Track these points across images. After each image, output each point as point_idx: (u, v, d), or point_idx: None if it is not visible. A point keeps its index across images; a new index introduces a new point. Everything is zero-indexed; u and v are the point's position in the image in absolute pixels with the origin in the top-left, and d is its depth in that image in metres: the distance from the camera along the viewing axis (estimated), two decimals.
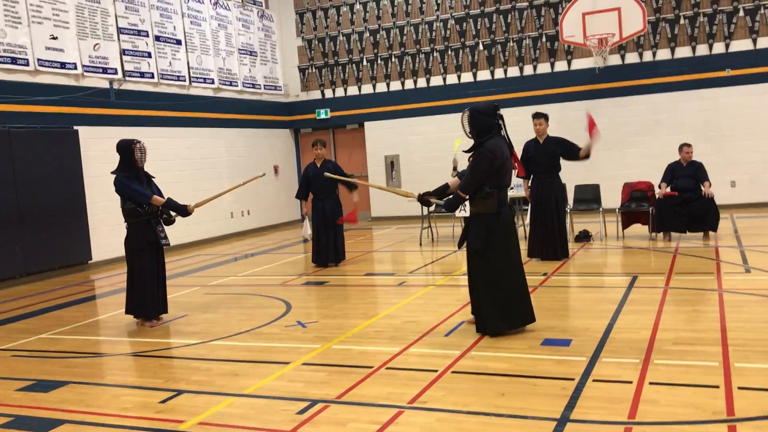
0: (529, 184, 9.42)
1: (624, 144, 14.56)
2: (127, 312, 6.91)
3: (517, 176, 7.13)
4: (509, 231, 5.71)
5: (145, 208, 6.70)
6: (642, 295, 6.81)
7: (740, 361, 4.59)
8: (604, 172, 14.10)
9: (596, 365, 4.71)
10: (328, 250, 9.96)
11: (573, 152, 9.04)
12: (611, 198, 12.19)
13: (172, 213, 6.94)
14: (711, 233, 10.18)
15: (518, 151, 9.31)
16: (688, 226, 10.04)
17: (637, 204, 10.68)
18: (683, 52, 14.18)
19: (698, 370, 4.47)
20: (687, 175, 10.19)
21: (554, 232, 9.13)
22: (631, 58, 14.57)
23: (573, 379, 4.45)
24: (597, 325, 5.72)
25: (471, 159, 5.79)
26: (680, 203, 10.00)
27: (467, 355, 5.16)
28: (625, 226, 10.88)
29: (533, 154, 9.27)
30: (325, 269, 9.81)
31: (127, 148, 6.68)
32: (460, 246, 5.96)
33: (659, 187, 10.36)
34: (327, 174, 8.93)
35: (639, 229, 11.00)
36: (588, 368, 4.65)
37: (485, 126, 5.67)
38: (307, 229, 9.94)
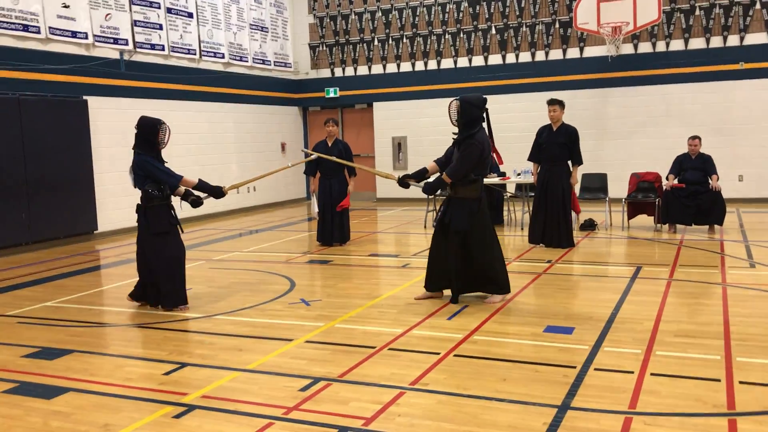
0: (537, 170, 9.41)
1: (633, 134, 14.51)
2: (168, 307, 6.35)
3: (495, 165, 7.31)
4: (486, 214, 6.30)
5: (165, 191, 6.31)
6: (645, 285, 6.82)
7: (742, 355, 4.61)
8: (611, 162, 14.08)
9: (598, 354, 4.73)
10: (333, 229, 9.97)
11: (571, 159, 9.15)
12: (618, 187, 12.17)
13: (201, 195, 6.61)
14: (717, 227, 10.16)
15: (531, 136, 9.40)
16: (694, 219, 10.02)
17: (644, 194, 10.66)
18: (697, 43, 14.07)
19: (700, 363, 4.49)
20: (695, 167, 10.15)
21: (558, 221, 9.12)
22: (645, 47, 14.47)
23: (575, 367, 4.47)
24: (600, 314, 5.74)
25: (460, 148, 6.14)
26: (687, 195, 9.98)
27: (470, 339, 5.19)
28: (630, 216, 10.86)
29: (545, 140, 9.23)
30: (329, 248, 9.83)
31: (152, 128, 6.26)
32: (437, 227, 6.32)
33: (666, 178, 10.33)
34: (304, 150, 9.02)
35: (644, 219, 10.99)
36: (590, 357, 4.68)
37: (473, 117, 6.13)
38: (314, 206, 9.96)
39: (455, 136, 6.30)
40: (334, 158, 8.45)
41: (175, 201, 6.54)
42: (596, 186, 11.45)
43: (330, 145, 9.93)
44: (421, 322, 5.73)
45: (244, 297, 6.91)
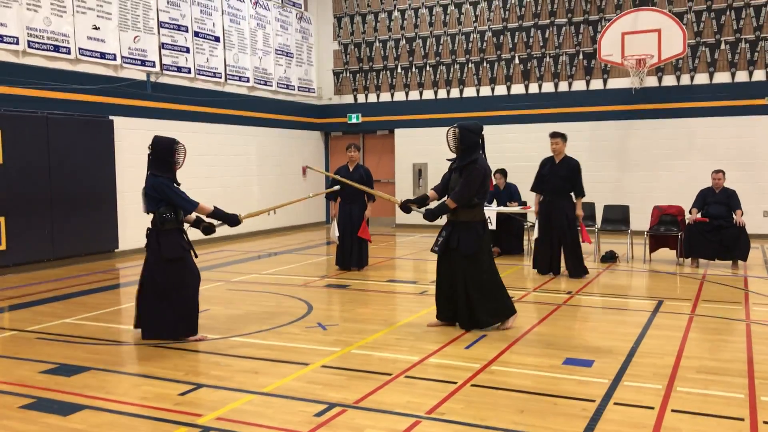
0: (540, 200, 9.49)
1: (656, 167, 14.42)
2: (178, 337, 6.02)
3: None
4: (489, 237, 6.45)
5: (179, 214, 6.06)
6: (667, 320, 6.72)
7: (767, 394, 4.50)
8: (634, 194, 13.98)
9: (618, 388, 4.65)
10: (352, 254, 9.98)
11: (574, 192, 9.26)
12: (640, 220, 12.07)
13: (215, 222, 6.31)
14: (740, 262, 10.02)
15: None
16: (717, 254, 9.89)
17: (666, 228, 10.55)
18: (722, 77, 14.02)
19: (722, 401, 4.40)
20: (719, 201, 10.05)
21: (569, 252, 9.21)
22: (669, 80, 14.44)
23: (594, 401, 4.40)
24: (620, 348, 5.65)
25: (460, 174, 6.26)
26: (710, 230, 9.86)
27: (487, 369, 5.13)
28: (652, 249, 10.74)
29: (547, 172, 9.33)
30: (347, 273, 9.82)
31: (169, 148, 5.99)
32: (440, 252, 6.36)
33: (690, 212, 10.23)
34: (306, 166, 9.08)
35: (666, 253, 10.86)
36: (609, 390, 4.60)
37: (471, 143, 6.28)
38: (335, 231, 9.97)
39: (451, 163, 6.50)
40: (348, 182, 8.38)
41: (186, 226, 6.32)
42: (618, 218, 11.36)
43: (351, 170, 9.97)
44: (438, 350, 5.68)
45: (261, 319, 6.91)
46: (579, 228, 9.27)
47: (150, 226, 6.08)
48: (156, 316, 6.00)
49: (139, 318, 6.14)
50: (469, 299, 6.26)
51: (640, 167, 14.62)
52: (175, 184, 6.02)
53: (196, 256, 6.24)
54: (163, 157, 6.00)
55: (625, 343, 5.82)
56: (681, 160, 14.20)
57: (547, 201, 9.32)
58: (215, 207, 6.21)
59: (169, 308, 5.97)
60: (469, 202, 6.25)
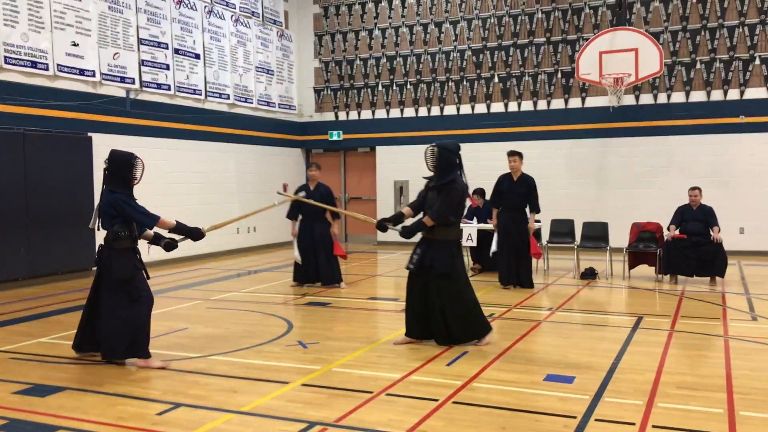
0: (497, 215, 9.95)
1: (635, 184, 14.56)
2: (125, 356, 5.77)
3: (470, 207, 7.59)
4: (462, 255, 6.52)
5: (134, 232, 5.85)
6: (647, 336, 6.75)
7: (746, 409, 4.53)
8: (613, 211, 14.09)
9: (599, 404, 4.65)
10: (317, 270, 9.96)
11: (529, 207, 9.73)
12: (619, 237, 12.14)
13: (176, 237, 6.07)
14: (718, 278, 10.11)
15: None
16: (696, 270, 9.98)
17: (645, 244, 10.63)
18: (698, 96, 14.23)
19: (702, 416, 4.41)
20: (697, 218, 10.15)
21: (518, 264, 9.66)
22: (646, 99, 14.63)
23: (575, 417, 4.39)
24: (601, 364, 5.66)
25: (439, 192, 6.29)
26: (688, 246, 9.96)
27: (469, 386, 5.11)
28: (631, 266, 10.82)
29: (505, 189, 9.79)
30: (329, 289, 9.76)
31: (127, 163, 5.78)
32: (415, 270, 6.35)
33: (668, 229, 10.32)
34: (279, 192, 9.33)
35: (645, 269, 10.93)
36: (591, 407, 4.60)
37: (449, 163, 6.31)
38: (296, 251, 9.93)
39: (428, 181, 6.53)
40: (313, 202, 8.50)
41: (142, 244, 6.04)
42: (597, 235, 11.44)
43: (312, 189, 10.01)
44: (419, 367, 5.65)
45: (240, 338, 6.83)
46: (531, 241, 9.73)
47: (102, 243, 5.87)
48: (106, 334, 5.75)
49: (81, 339, 5.96)
50: (445, 318, 6.28)
51: (618, 185, 14.76)
52: (132, 200, 5.80)
53: (148, 278, 5.98)
54: (121, 172, 5.79)
55: (605, 359, 5.83)
56: (659, 178, 14.36)
57: (506, 216, 9.79)
58: (177, 221, 6.00)
59: (118, 327, 5.69)
60: (446, 221, 6.29)
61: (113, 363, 5.83)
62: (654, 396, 4.82)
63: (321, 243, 9.89)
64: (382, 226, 6.53)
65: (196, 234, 6.09)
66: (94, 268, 6.05)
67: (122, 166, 5.80)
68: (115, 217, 5.75)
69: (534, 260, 9.99)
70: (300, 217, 10.03)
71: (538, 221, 11.12)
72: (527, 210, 9.80)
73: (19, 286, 10.36)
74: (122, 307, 5.71)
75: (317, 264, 9.96)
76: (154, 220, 5.79)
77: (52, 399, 4.92)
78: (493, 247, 10.18)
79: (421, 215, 6.49)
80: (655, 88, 14.49)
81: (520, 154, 9.84)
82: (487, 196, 11.96)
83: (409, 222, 6.53)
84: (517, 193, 9.68)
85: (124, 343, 5.73)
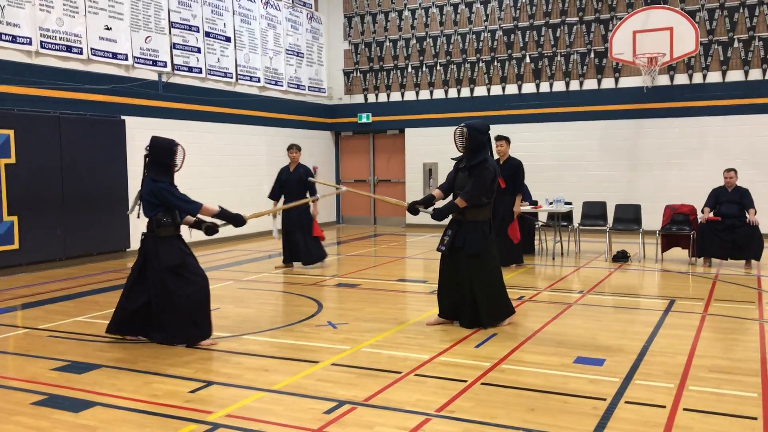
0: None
1: (668, 165, 14.33)
2: (192, 342, 5.82)
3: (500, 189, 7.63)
4: (492, 236, 6.43)
5: (177, 219, 5.88)
6: (679, 319, 6.67)
7: None
8: (645, 193, 13.91)
9: (629, 387, 4.62)
10: (299, 250, 10.10)
11: (513, 188, 9.87)
12: (652, 219, 12.00)
13: (218, 222, 6.07)
14: (754, 262, 9.94)
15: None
16: (730, 253, 9.82)
17: (679, 227, 10.48)
18: (735, 75, 13.91)
19: (735, 400, 4.36)
20: (731, 200, 9.96)
21: (505, 243, 9.70)
22: (681, 79, 14.34)
23: (605, 399, 4.37)
24: (631, 347, 5.62)
25: (470, 173, 6.26)
26: (723, 229, 9.79)
27: (498, 367, 5.11)
28: (664, 248, 10.67)
29: None
30: (358, 272, 9.81)
31: (168, 150, 5.79)
32: (448, 251, 6.33)
33: (702, 211, 10.16)
34: (311, 179, 9.83)
35: (679, 252, 10.79)
36: (621, 389, 4.57)
37: (480, 143, 6.28)
38: (274, 230, 9.88)
39: (456, 162, 6.51)
40: (337, 187, 8.69)
41: (184, 229, 6.04)
42: (630, 217, 11.30)
43: (292, 170, 10.17)
44: (448, 348, 5.66)
45: (271, 318, 6.92)
46: (513, 223, 9.86)
47: (145, 232, 5.89)
48: (167, 324, 5.81)
49: (119, 323, 6.00)
50: (475, 300, 6.27)
51: (651, 166, 14.54)
52: (174, 188, 5.83)
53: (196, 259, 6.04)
54: (162, 159, 5.81)
55: (636, 342, 5.78)
56: (693, 159, 14.11)
57: (494, 199, 9.67)
58: (220, 207, 5.98)
59: (179, 314, 5.75)
60: (479, 202, 6.25)
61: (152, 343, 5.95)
62: (685, 379, 4.77)
63: (298, 223, 10.03)
64: (414, 209, 6.46)
65: (238, 220, 6.02)
66: (134, 257, 6.01)
67: (163, 154, 5.80)
68: (157, 206, 5.76)
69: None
70: (282, 198, 10.21)
71: (534, 203, 11.34)
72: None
73: (56, 267, 10.59)
74: (177, 293, 5.72)
75: (304, 244, 10.11)
76: (197, 207, 5.78)
77: (89, 376, 5.04)
78: None
79: (451, 197, 6.46)
80: (690, 68, 14.19)
81: (507, 139, 10.10)
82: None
83: (440, 204, 6.51)
84: (503, 176, 9.66)
85: (186, 329, 5.77)
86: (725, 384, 4.67)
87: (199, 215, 5.93)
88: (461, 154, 6.45)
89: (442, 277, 6.49)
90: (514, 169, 9.87)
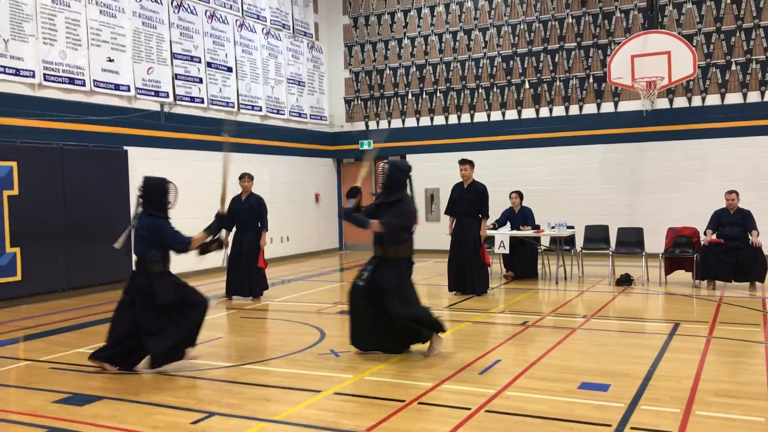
0: (452, 224, 10.06)
1: (670, 188, 14.34)
2: (181, 356, 6.00)
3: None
4: (411, 274, 6.50)
5: (162, 258, 5.98)
6: (684, 343, 6.63)
7: None
8: (647, 216, 13.91)
9: (635, 412, 4.58)
10: (242, 282, 9.91)
11: (480, 213, 9.78)
12: (654, 242, 11.97)
13: (218, 235, 6.27)
14: (758, 284, 9.90)
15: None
16: (734, 275, 9.78)
17: (681, 250, 10.45)
18: (734, 98, 13.98)
19: (742, 425, 4.31)
20: (734, 222, 9.95)
21: (472, 270, 9.70)
22: (680, 102, 14.42)
23: (610, 426, 4.33)
24: (636, 371, 5.58)
25: (392, 209, 6.28)
26: (726, 251, 9.76)
27: (502, 394, 5.07)
28: (668, 271, 10.64)
29: (457, 197, 9.95)
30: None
31: (161, 189, 5.94)
32: (366, 283, 6.32)
33: (704, 233, 10.14)
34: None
35: (682, 275, 10.74)
36: (626, 415, 4.53)
37: (397, 181, 6.44)
38: (224, 260, 9.81)
39: (375, 197, 6.58)
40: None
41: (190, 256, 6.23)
42: (632, 240, 11.28)
43: (243, 199, 10.04)
44: (451, 376, 5.63)
45: (273, 347, 6.88)
46: (481, 248, 9.76)
47: (135, 270, 5.96)
48: (162, 347, 5.85)
49: (107, 351, 6.00)
50: (396, 325, 6.28)
51: (653, 189, 14.55)
52: (168, 224, 5.93)
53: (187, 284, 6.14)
54: (156, 198, 5.93)
55: (641, 366, 5.74)
56: (694, 182, 14.12)
57: (458, 222, 9.94)
58: (204, 230, 6.07)
59: (173, 334, 5.86)
60: (398, 237, 6.32)
61: (151, 371, 5.92)
62: (692, 404, 4.73)
63: (246, 254, 9.84)
64: (347, 209, 6.47)
65: (220, 220, 6.26)
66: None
67: (157, 192, 5.94)
68: (152, 242, 5.86)
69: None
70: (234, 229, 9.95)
71: (500, 227, 11.36)
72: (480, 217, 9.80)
73: (58, 298, 10.57)
74: (172, 322, 5.83)
75: (248, 276, 9.88)
76: (186, 245, 5.90)
77: (90, 408, 5.01)
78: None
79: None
80: (689, 91, 14.27)
81: (471, 163, 10.02)
82: (524, 201, 11.89)
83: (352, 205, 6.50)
84: (466, 199, 9.81)
85: (178, 349, 5.90)
86: (732, 408, 4.62)
87: (190, 249, 5.99)
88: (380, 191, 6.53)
89: (356, 311, 6.42)
90: (478, 193, 9.80)
